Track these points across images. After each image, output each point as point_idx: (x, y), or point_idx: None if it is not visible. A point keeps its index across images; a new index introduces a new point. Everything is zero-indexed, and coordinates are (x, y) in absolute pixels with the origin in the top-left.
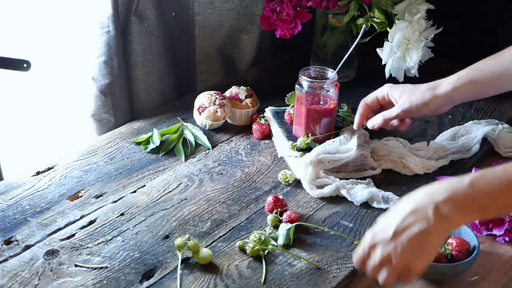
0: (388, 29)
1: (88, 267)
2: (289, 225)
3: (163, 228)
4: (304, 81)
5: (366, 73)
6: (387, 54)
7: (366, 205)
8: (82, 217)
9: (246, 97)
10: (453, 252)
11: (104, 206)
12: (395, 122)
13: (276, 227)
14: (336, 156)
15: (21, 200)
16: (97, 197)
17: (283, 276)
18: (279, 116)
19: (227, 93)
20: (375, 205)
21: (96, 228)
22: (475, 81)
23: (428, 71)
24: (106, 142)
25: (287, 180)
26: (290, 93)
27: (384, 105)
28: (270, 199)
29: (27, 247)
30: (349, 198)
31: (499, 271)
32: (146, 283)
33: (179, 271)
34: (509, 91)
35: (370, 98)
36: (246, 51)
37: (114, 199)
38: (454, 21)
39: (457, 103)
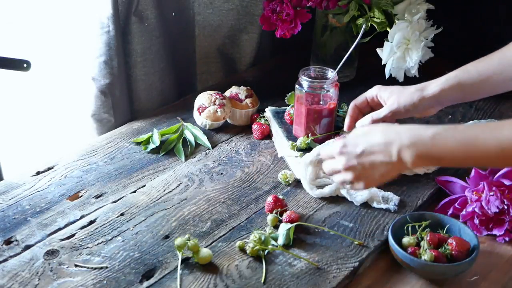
0: (388, 29)
1: (88, 267)
2: (289, 225)
3: (163, 228)
4: (304, 81)
5: (366, 73)
6: (387, 54)
7: (366, 205)
8: (82, 217)
9: (246, 97)
10: (453, 252)
11: (104, 206)
12: None
13: (276, 227)
14: None
15: (21, 200)
16: (97, 197)
17: (283, 276)
18: (279, 116)
19: (227, 93)
20: (375, 205)
21: (96, 228)
22: (463, 83)
23: (428, 71)
24: (106, 142)
25: (287, 180)
26: (290, 93)
27: (373, 106)
28: (270, 199)
29: (27, 247)
30: (349, 198)
31: (499, 271)
32: (146, 283)
33: (179, 271)
34: (509, 91)
35: (360, 99)
36: (246, 51)
37: (114, 199)
38: (454, 21)
39: (446, 105)
